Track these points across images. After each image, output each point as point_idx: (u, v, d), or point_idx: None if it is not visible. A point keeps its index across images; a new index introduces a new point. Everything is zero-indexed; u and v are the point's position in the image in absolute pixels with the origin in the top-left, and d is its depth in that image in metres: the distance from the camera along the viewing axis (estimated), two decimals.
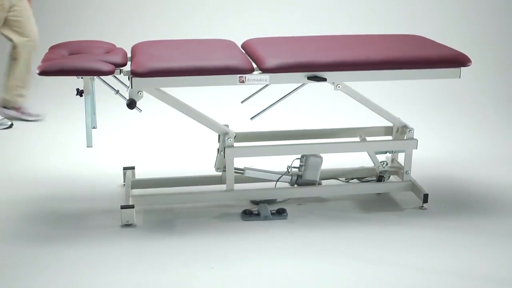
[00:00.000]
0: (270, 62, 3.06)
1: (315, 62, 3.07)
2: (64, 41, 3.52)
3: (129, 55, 3.37)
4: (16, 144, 4.37)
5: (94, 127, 3.34)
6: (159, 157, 4.16)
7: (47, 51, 3.37)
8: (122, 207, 3.21)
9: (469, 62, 3.18)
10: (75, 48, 3.30)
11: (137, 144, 4.37)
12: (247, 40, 3.54)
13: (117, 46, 3.50)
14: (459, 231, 3.20)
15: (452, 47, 3.36)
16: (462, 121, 4.94)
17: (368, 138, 3.60)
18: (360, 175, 3.72)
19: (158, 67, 2.98)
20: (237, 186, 3.41)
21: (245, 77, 3.06)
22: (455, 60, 3.17)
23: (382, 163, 3.54)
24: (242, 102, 3.55)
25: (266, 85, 3.21)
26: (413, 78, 3.21)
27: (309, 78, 3.10)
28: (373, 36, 3.60)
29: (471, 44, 6.09)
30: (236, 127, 3.89)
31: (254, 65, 3.14)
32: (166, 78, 3.00)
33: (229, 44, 3.45)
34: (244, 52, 3.38)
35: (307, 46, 3.34)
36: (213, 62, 3.04)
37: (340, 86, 3.22)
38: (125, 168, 3.71)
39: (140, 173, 3.78)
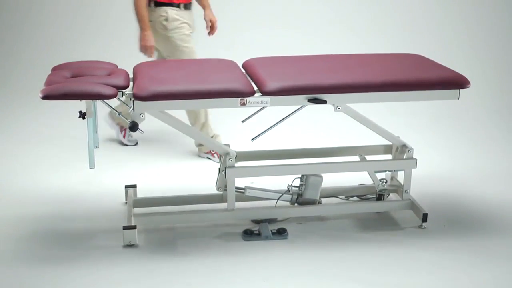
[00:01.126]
0: (271, 85, 3.09)
1: (315, 85, 3.10)
2: (66, 62, 3.55)
3: (130, 75, 3.40)
4: (19, 161, 4.40)
5: (96, 147, 3.37)
6: (160, 175, 4.18)
7: (50, 72, 3.40)
8: (124, 228, 3.24)
9: (468, 84, 3.21)
10: (77, 69, 3.32)
11: (138, 161, 4.39)
12: (247, 60, 3.57)
13: (119, 66, 3.54)
14: (458, 252, 3.23)
15: (451, 60, 3.40)
16: (461, 136, 4.96)
17: (367, 157, 3.63)
18: (360, 193, 3.75)
19: (160, 90, 3.01)
20: (238, 205, 3.44)
21: (246, 100, 3.09)
22: (454, 83, 3.20)
23: (381, 181, 3.58)
24: (243, 121, 3.58)
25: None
26: (412, 99, 3.24)
27: (310, 100, 3.13)
28: (372, 55, 3.64)
29: (471, 58, 6.15)
30: (237, 145, 3.92)
31: (255, 87, 3.18)
32: (168, 102, 3.03)
33: (230, 64, 3.48)
34: (244, 72, 3.41)
35: (306, 67, 3.37)
36: (214, 85, 3.07)
37: (340, 108, 3.25)
38: (127, 186, 3.74)
39: (142, 190, 3.80)
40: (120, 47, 6.08)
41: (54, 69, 3.45)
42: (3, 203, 3.77)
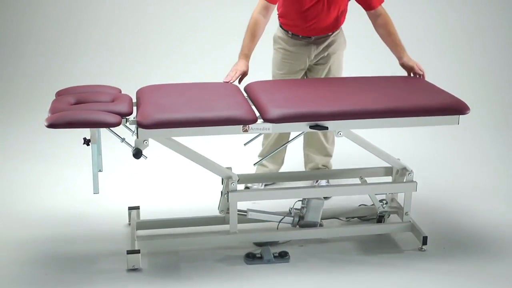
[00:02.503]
0: (273, 112, 3.13)
1: (316, 113, 3.14)
2: (70, 86, 3.59)
3: (134, 99, 3.44)
4: (23, 180, 4.45)
5: (100, 170, 3.40)
6: (163, 196, 4.21)
7: (54, 96, 3.44)
8: (128, 252, 3.28)
9: (468, 110, 3.26)
10: (81, 95, 3.36)
11: (141, 182, 4.41)
12: (249, 84, 3.61)
13: (122, 84, 3.58)
14: (458, 275, 3.27)
15: (451, 77, 3.42)
16: (462, 154, 4.99)
17: (368, 179, 3.68)
18: (360, 214, 3.79)
19: (164, 118, 3.05)
20: (240, 226, 3.48)
21: (248, 127, 3.13)
22: (454, 109, 3.24)
23: (382, 202, 3.62)
24: (244, 144, 3.62)
25: None
26: (412, 125, 3.28)
27: (311, 127, 3.17)
28: (372, 78, 3.68)
29: (472, 75, 6.18)
30: (239, 167, 3.95)
31: (257, 113, 3.22)
32: (171, 130, 3.07)
33: (233, 89, 3.51)
34: (246, 96, 3.45)
35: (307, 92, 3.41)
36: (217, 112, 3.11)
37: (342, 133, 3.29)
38: (130, 208, 3.78)
39: (145, 211, 3.84)
40: (124, 67, 6.16)
41: (59, 93, 3.49)
42: (5, 225, 3.81)
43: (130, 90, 3.64)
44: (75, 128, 3.03)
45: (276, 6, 3.86)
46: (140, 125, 3.06)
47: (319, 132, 4.07)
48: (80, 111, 3.09)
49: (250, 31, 3.81)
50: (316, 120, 3.15)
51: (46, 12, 6.45)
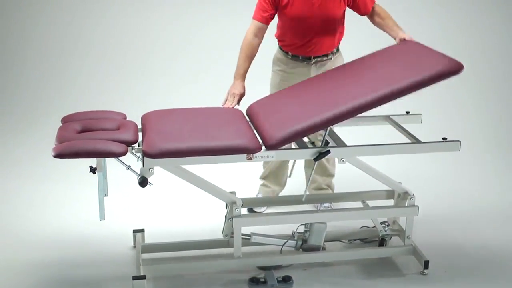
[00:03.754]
0: (274, 139, 3.16)
1: (313, 125, 3.17)
2: (73, 107, 3.63)
3: (139, 124, 3.49)
4: (28, 200, 4.49)
5: (105, 195, 3.45)
6: (168, 219, 4.25)
7: (60, 121, 3.48)
8: (134, 278, 3.32)
9: (462, 67, 3.24)
10: (86, 122, 3.39)
11: (146, 205, 4.44)
12: (251, 107, 3.63)
13: (126, 106, 3.62)
14: None
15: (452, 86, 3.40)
16: (463, 174, 5.01)
17: (370, 202, 3.72)
18: (362, 237, 3.84)
19: (169, 148, 3.10)
20: (244, 249, 3.51)
21: (252, 155, 3.18)
22: (448, 73, 3.23)
23: (384, 224, 3.67)
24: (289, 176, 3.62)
25: None
26: (414, 152, 3.33)
27: (315, 158, 3.22)
28: (365, 61, 3.69)
29: (473, 90, 6.23)
30: (242, 190, 3.99)
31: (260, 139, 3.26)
32: (176, 159, 3.12)
33: (234, 114, 3.55)
34: (249, 121, 3.49)
35: (302, 103, 3.42)
36: (221, 142, 3.15)
37: (345, 160, 3.33)
38: (135, 231, 3.83)
39: (150, 234, 3.88)
40: (129, 91, 6.23)
41: (65, 120, 3.52)
42: (10, 246, 3.86)
43: (135, 112, 3.68)
44: (81, 158, 3.07)
45: (268, 26, 3.90)
46: (146, 154, 3.11)
47: None
48: (87, 141, 3.13)
49: (244, 53, 3.87)
50: (316, 131, 3.19)
51: (51, 35, 6.50)
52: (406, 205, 3.62)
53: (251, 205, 3.71)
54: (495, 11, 6.44)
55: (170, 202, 4.48)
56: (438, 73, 3.22)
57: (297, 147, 3.35)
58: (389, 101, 3.20)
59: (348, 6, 3.86)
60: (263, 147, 3.21)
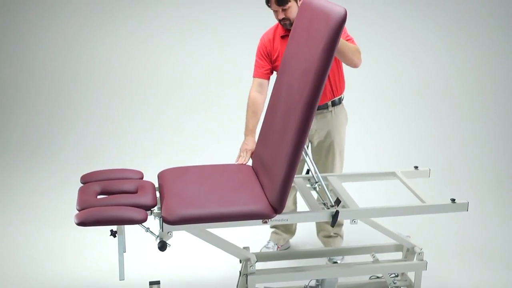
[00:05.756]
0: (282, 207, 3.28)
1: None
2: (93, 170, 3.73)
3: (155, 182, 3.60)
4: (46, 247, 4.59)
5: (124, 251, 3.55)
6: (183, 271, 4.33)
7: (79, 181, 3.59)
8: None
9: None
10: (106, 184, 3.51)
11: (162, 257, 4.46)
12: (253, 165, 3.77)
13: (144, 169, 3.73)
14: None
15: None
16: (467, 217, 4.97)
17: (379, 255, 3.83)
18: None
19: (188, 215, 3.20)
20: None
21: (268, 220, 3.29)
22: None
23: (392, 276, 3.79)
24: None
25: None
26: (416, 213, 3.45)
27: (332, 225, 3.34)
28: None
29: (478, 127, 6.36)
30: (255, 243, 4.06)
31: None
32: (195, 225, 3.24)
33: (248, 173, 3.66)
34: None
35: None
36: (238, 208, 3.25)
37: (356, 221, 3.45)
38: (151, 283, 3.93)
39: (166, 286, 3.98)
40: (145, 146, 6.35)
41: (83, 178, 3.62)
42: None
43: (151, 167, 3.74)
44: (103, 226, 3.18)
45: (269, 81, 4.03)
46: (165, 221, 3.22)
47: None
48: (108, 208, 3.24)
49: (251, 110, 4.01)
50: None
51: (59, 82, 6.75)
52: (415, 259, 3.73)
53: (265, 259, 3.82)
54: None
55: (186, 253, 4.55)
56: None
57: (310, 209, 3.46)
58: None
59: None
60: None
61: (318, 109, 4.05)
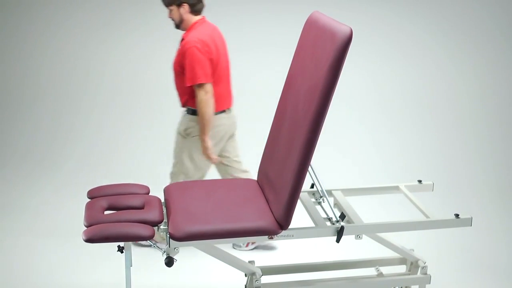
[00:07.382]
0: (288, 221, 3.31)
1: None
2: (100, 185, 3.76)
3: (161, 197, 3.63)
4: (54, 261, 4.60)
5: (130, 266, 3.58)
6: (188, 284, 4.33)
7: (85, 195, 3.62)
8: None
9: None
10: (113, 199, 3.53)
11: (167, 272, 4.50)
12: (259, 179, 3.79)
13: (150, 184, 3.77)
14: None
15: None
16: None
17: (383, 268, 3.86)
18: None
19: (195, 231, 3.24)
20: None
21: (273, 236, 3.33)
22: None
23: None
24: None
25: None
26: (420, 229, 3.48)
27: (337, 241, 3.38)
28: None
29: (473, 132, 6.39)
30: (260, 257, 4.09)
31: None
32: (202, 241, 3.27)
33: (253, 187, 3.70)
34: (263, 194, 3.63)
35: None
36: (244, 224, 3.28)
37: (361, 236, 3.48)
38: None
39: None
40: (148, 157, 6.35)
41: (90, 193, 3.65)
42: None
43: (157, 178, 3.77)
44: (111, 242, 3.21)
45: None
46: (172, 237, 3.25)
47: None
48: (115, 224, 3.26)
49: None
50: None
51: (64, 97, 6.77)
52: (419, 273, 3.76)
53: (271, 273, 3.85)
54: None
55: (191, 267, 4.56)
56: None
57: (315, 224, 3.49)
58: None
59: None
60: None
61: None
